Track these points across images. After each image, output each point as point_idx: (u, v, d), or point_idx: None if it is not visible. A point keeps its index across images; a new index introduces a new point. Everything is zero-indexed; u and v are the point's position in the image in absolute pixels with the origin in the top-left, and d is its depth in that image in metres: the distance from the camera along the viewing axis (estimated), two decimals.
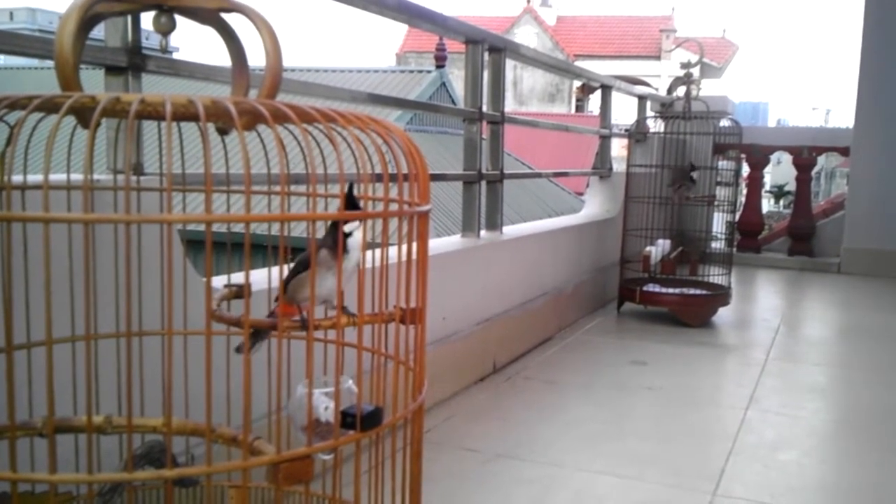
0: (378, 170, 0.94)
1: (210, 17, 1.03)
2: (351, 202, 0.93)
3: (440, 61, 15.68)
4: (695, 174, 4.03)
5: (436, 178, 2.48)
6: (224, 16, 1.03)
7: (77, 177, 1.14)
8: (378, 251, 0.98)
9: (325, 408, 0.93)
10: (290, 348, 1.05)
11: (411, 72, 16.50)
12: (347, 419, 0.89)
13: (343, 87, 2.25)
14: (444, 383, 2.47)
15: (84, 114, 0.87)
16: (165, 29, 1.01)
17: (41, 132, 0.92)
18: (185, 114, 0.86)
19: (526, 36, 29.87)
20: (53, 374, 0.78)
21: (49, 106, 0.84)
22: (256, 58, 1.07)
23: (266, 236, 1.14)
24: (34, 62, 17.64)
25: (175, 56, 1.74)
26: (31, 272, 1.01)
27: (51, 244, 0.80)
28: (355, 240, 0.96)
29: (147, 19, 1.10)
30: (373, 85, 13.76)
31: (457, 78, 15.21)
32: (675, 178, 4.01)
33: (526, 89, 30.94)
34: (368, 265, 0.97)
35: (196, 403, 1.10)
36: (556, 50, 29.63)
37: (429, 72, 15.76)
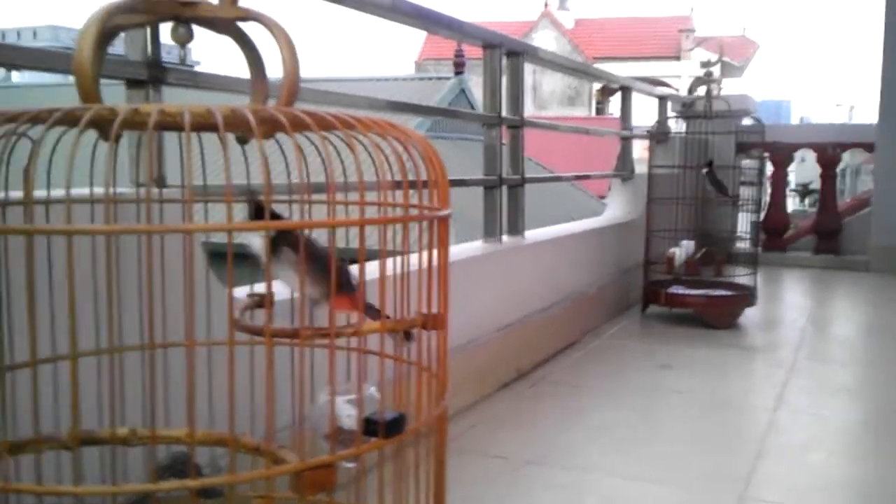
0: (398, 176, 0.93)
1: (227, 27, 1.03)
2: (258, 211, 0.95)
3: (459, 68, 15.70)
4: (705, 170, 4.03)
5: (456, 183, 2.48)
6: (241, 25, 1.03)
7: (99, 190, 1.15)
8: (399, 258, 0.98)
9: (348, 415, 0.93)
10: (313, 356, 1.05)
11: (430, 79, 16.53)
12: (370, 426, 0.89)
13: (362, 95, 2.26)
14: (467, 390, 2.46)
15: (104, 126, 0.88)
16: (183, 40, 1.01)
17: (63, 147, 0.93)
18: (204, 124, 0.86)
19: (544, 40, 29.84)
20: (78, 387, 0.78)
21: (69, 119, 0.85)
22: (275, 69, 1.07)
23: None
24: (58, 79, 17.86)
25: (196, 69, 1.75)
26: (55, 286, 1.02)
27: (75, 257, 0.80)
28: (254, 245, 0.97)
29: (165, 33, 1.10)
30: (392, 93, 13.76)
31: (476, 84, 15.19)
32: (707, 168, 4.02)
33: (546, 93, 30.92)
34: (390, 272, 0.97)
35: (220, 413, 1.10)
36: (575, 53, 29.57)
37: (448, 78, 15.77)
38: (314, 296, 1.03)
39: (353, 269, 1.01)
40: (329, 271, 0.99)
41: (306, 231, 0.95)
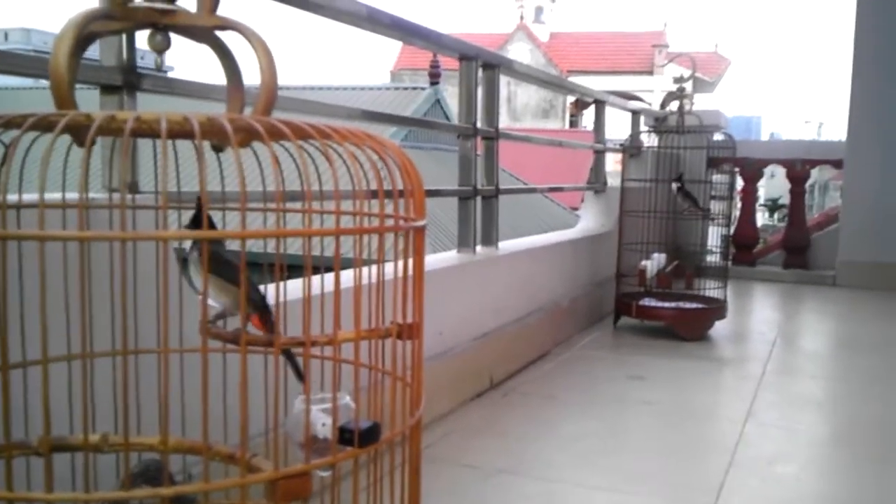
0: (373, 186, 0.94)
1: (205, 35, 1.03)
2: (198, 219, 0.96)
3: (434, 78, 15.76)
4: (675, 185, 4.07)
5: (431, 193, 2.49)
6: (219, 34, 1.03)
7: (72, 195, 1.14)
8: (374, 267, 0.98)
9: (323, 424, 0.93)
10: (287, 364, 1.05)
11: (406, 89, 16.57)
12: (345, 435, 0.89)
13: (338, 104, 2.26)
14: (442, 399, 2.47)
15: (79, 132, 0.88)
16: (160, 47, 1.01)
17: (36, 151, 0.92)
18: (180, 131, 0.86)
19: (519, 52, 30.03)
20: (49, 392, 0.77)
21: (44, 124, 0.85)
22: (252, 76, 1.07)
23: (262, 254, 1.14)
24: (29, 83, 17.67)
25: (170, 75, 1.75)
26: (26, 291, 1.01)
27: (46, 263, 0.79)
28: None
29: (141, 39, 1.10)
30: (368, 102, 13.80)
31: (451, 95, 15.26)
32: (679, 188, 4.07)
33: (520, 105, 31.09)
34: (365, 281, 0.97)
35: (193, 421, 1.09)
36: (550, 66, 29.78)
37: (423, 89, 15.82)
38: (226, 306, 1.04)
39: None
40: (237, 283, 1.00)
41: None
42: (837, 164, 5.85)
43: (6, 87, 19.03)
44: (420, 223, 0.99)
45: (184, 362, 1.15)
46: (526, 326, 3.17)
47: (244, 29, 0.97)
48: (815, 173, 6.33)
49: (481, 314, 2.84)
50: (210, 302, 1.02)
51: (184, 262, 1.03)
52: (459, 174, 2.92)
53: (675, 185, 4.10)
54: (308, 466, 0.83)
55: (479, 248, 2.98)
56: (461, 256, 2.85)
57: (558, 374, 3.08)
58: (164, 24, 0.99)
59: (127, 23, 1.00)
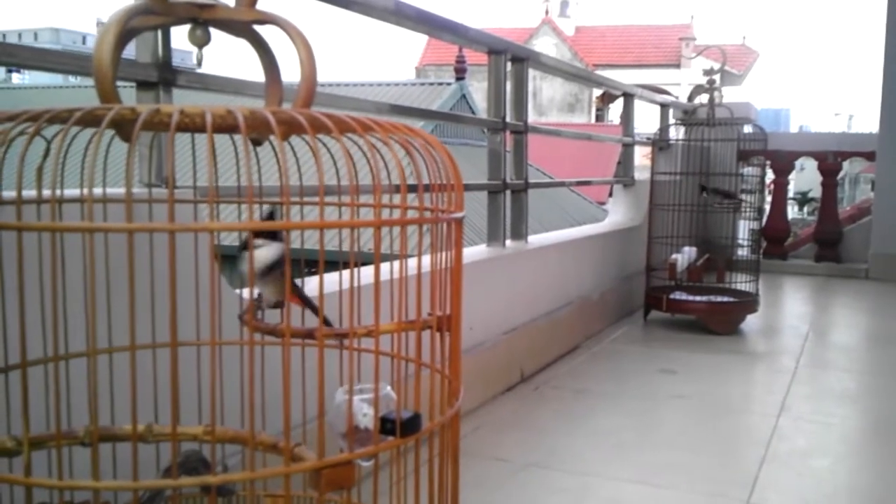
0: (410, 179, 0.94)
1: (243, 30, 1.04)
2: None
3: (460, 73, 15.74)
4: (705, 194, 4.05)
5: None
6: (257, 28, 1.04)
7: (113, 191, 1.16)
8: (413, 260, 0.99)
9: (364, 414, 0.93)
10: (324, 355, 1.06)
11: (431, 84, 16.58)
12: (387, 425, 0.90)
13: (366, 99, 2.26)
14: (472, 393, 2.47)
15: (123, 126, 0.89)
16: (201, 42, 1.02)
17: (75, 146, 0.94)
18: (222, 125, 0.87)
19: (545, 47, 29.90)
20: (96, 383, 0.79)
21: (89, 119, 0.85)
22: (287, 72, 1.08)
23: (297, 249, 1.14)
24: (58, 80, 17.85)
25: (201, 71, 1.76)
26: (68, 285, 1.02)
27: (88, 257, 0.81)
28: (259, 253, 1.00)
29: (177, 36, 1.11)
30: (393, 98, 13.80)
31: (476, 90, 15.27)
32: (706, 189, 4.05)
33: (545, 99, 30.99)
34: (404, 273, 0.98)
35: (230, 412, 1.10)
36: (576, 60, 29.65)
37: (449, 84, 15.81)
38: (267, 295, 1.06)
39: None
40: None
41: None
42: (870, 157, 5.77)
43: (35, 86, 19.25)
44: (459, 215, 0.99)
45: (222, 354, 1.16)
46: (556, 320, 3.16)
47: (283, 23, 0.98)
48: (845, 166, 6.26)
49: (511, 308, 2.84)
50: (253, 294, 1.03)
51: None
52: (489, 168, 2.92)
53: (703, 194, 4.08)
54: (351, 455, 0.84)
55: (508, 241, 2.98)
56: (491, 250, 2.85)
57: (589, 368, 3.07)
58: (203, 19, 1.00)
59: (167, 18, 1.01)
